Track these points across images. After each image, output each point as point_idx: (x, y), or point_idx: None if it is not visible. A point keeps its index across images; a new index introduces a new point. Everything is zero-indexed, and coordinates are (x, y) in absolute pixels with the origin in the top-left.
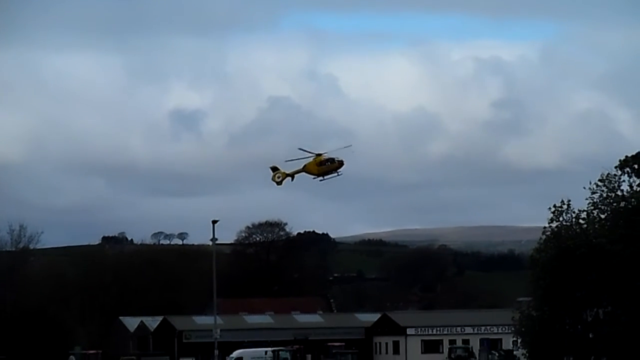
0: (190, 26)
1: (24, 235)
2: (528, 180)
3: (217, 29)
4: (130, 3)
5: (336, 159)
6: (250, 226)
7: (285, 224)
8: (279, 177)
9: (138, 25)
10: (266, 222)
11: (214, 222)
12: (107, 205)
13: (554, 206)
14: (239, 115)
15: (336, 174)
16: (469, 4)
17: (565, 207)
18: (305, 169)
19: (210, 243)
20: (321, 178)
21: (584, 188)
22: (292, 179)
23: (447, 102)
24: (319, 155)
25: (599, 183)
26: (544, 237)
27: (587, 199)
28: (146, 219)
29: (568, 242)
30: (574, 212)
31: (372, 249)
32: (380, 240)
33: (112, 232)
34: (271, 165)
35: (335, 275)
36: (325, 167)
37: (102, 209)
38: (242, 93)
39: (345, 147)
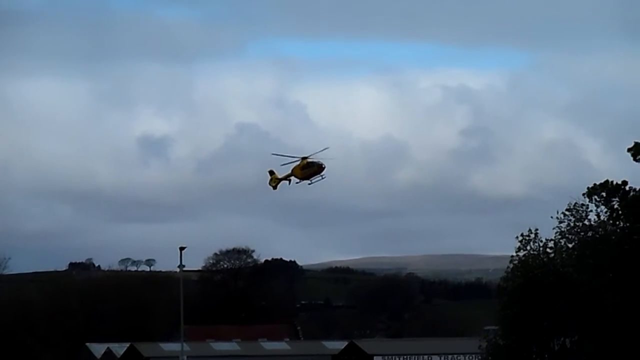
0: (158, 53)
1: None
2: (495, 209)
3: (184, 56)
4: (97, 29)
5: (316, 163)
6: (218, 253)
7: (253, 251)
8: (273, 182)
9: (105, 52)
10: (234, 249)
11: (182, 248)
12: (74, 231)
13: (522, 235)
14: (206, 141)
15: (320, 177)
16: (437, 32)
17: (532, 235)
18: (292, 173)
19: (178, 270)
20: (309, 182)
21: (552, 217)
22: (289, 182)
23: (415, 130)
24: (304, 158)
25: (567, 212)
26: (511, 265)
27: (554, 228)
28: (113, 245)
29: (535, 271)
30: (541, 241)
31: (339, 276)
32: (348, 268)
33: (80, 258)
34: (269, 169)
35: (303, 302)
36: (307, 170)
37: (69, 235)
38: (209, 119)
39: (321, 151)
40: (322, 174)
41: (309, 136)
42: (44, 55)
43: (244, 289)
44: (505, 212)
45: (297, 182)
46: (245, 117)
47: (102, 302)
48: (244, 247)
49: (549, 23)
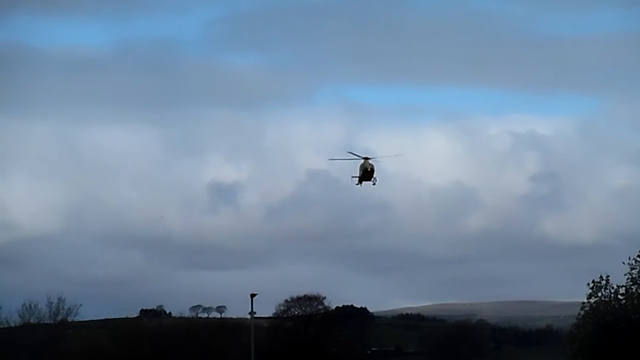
0: (227, 99)
1: (63, 308)
2: (566, 255)
3: (253, 102)
4: (167, 77)
5: (368, 166)
6: (289, 300)
7: (324, 297)
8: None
9: (175, 99)
10: (304, 295)
11: (253, 295)
12: (145, 278)
13: (593, 281)
14: (276, 188)
15: (372, 183)
16: (505, 79)
17: (603, 282)
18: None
19: (249, 316)
20: (371, 183)
21: (623, 263)
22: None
23: (485, 176)
24: (366, 159)
25: (638, 259)
26: (582, 312)
27: (625, 275)
28: (184, 292)
29: (607, 317)
30: (612, 288)
31: (410, 323)
32: (419, 315)
33: (150, 305)
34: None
35: (374, 349)
36: (363, 173)
37: (140, 281)
38: (279, 166)
39: (395, 155)
40: (373, 177)
41: (379, 182)
42: (114, 103)
43: (315, 336)
44: (575, 258)
45: (357, 185)
46: (315, 163)
47: (173, 349)
48: (314, 293)
49: (617, 68)
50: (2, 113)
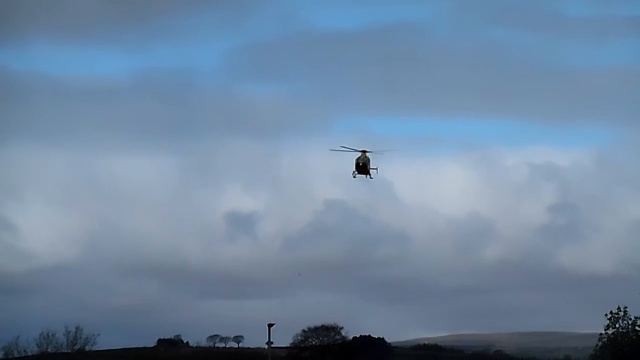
0: (244, 129)
1: (80, 337)
2: (583, 286)
3: (270, 132)
4: (185, 106)
5: (360, 161)
6: (306, 330)
7: (341, 328)
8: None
9: (193, 128)
10: (322, 325)
11: (270, 325)
12: (163, 307)
13: (610, 312)
14: (294, 218)
15: (369, 176)
16: (522, 110)
17: (621, 313)
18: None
19: (266, 346)
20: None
21: None
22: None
23: (502, 207)
24: (363, 152)
25: None
26: (600, 343)
27: None
28: (202, 321)
29: (625, 348)
30: (630, 319)
31: (427, 353)
32: (436, 345)
33: (168, 335)
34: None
35: None
36: (357, 166)
37: (158, 310)
38: (296, 196)
39: (392, 150)
40: (369, 171)
41: (396, 213)
42: (133, 132)
43: None
44: (593, 289)
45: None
46: (332, 193)
47: None
48: (332, 323)
49: (634, 99)
50: (21, 141)
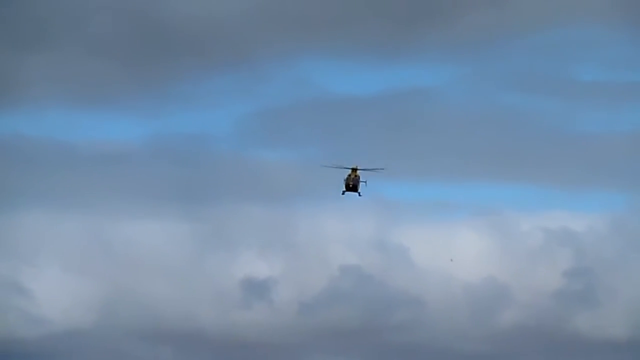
0: (259, 195)
1: None
2: (599, 352)
3: (284, 197)
4: (199, 172)
5: (350, 182)
6: None
7: None
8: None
9: (207, 194)
10: None
11: None
12: None
13: None
14: (309, 283)
15: (358, 194)
16: (537, 175)
17: None
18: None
19: None
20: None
21: None
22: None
23: (517, 272)
24: (354, 170)
25: None
26: None
27: None
28: None
29: None
30: None
31: None
32: None
33: None
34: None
35: None
36: (346, 185)
37: None
38: (312, 261)
39: (379, 169)
40: (358, 189)
41: (412, 278)
42: (147, 197)
43: None
44: (609, 355)
45: (342, 195)
46: (348, 259)
47: None
48: None
49: None
50: (35, 207)
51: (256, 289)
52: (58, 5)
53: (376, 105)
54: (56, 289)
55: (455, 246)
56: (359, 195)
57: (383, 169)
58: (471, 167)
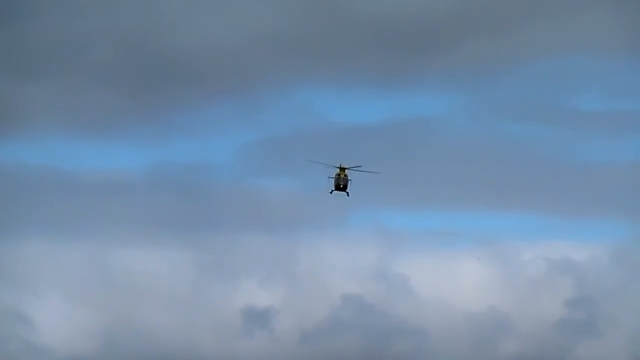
0: (261, 224)
1: None
2: None
3: (286, 226)
4: (200, 200)
5: (341, 182)
6: None
7: None
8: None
9: (208, 222)
10: None
11: None
12: None
13: None
14: (311, 312)
15: (345, 193)
16: (538, 204)
17: None
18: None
19: None
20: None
21: None
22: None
23: (518, 302)
24: (342, 169)
25: None
26: None
27: None
28: None
29: None
30: None
31: None
32: None
33: None
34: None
35: None
36: (335, 185)
37: None
38: (313, 290)
39: (371, 172)
40: (346, 189)
41: (413, 308)
42: (148, 226)
43: None
44: None
45: (330, 193)
46: (349, 288)
47: None
48: None
49: None
50: (37, 235)
51: (257, 317)
52: (60, 35)
53: (378, 134)
54: (58, 318)
55: (457, 275)
56: (347, 195)
57: (379, 172)
58: (472, 197)
